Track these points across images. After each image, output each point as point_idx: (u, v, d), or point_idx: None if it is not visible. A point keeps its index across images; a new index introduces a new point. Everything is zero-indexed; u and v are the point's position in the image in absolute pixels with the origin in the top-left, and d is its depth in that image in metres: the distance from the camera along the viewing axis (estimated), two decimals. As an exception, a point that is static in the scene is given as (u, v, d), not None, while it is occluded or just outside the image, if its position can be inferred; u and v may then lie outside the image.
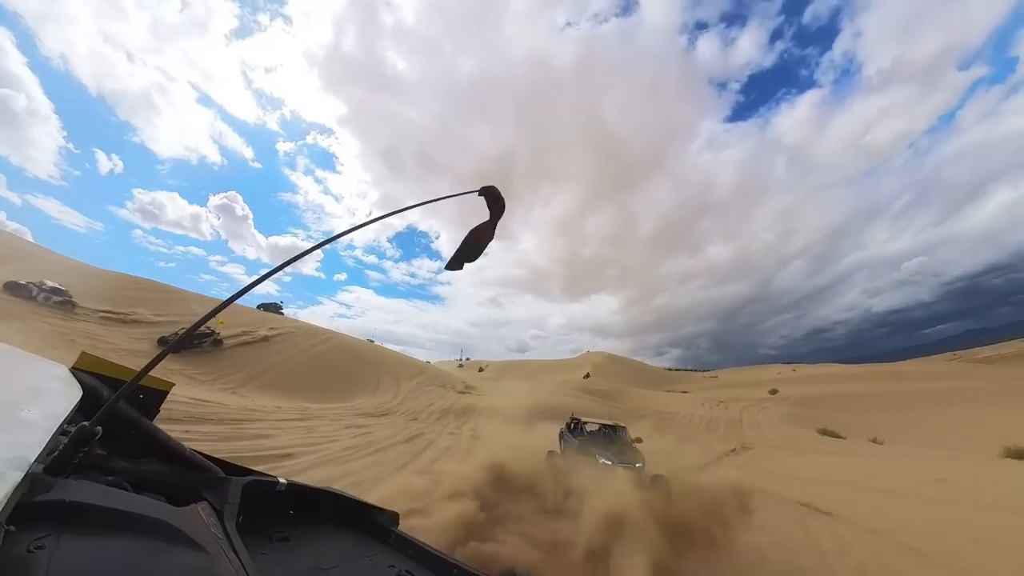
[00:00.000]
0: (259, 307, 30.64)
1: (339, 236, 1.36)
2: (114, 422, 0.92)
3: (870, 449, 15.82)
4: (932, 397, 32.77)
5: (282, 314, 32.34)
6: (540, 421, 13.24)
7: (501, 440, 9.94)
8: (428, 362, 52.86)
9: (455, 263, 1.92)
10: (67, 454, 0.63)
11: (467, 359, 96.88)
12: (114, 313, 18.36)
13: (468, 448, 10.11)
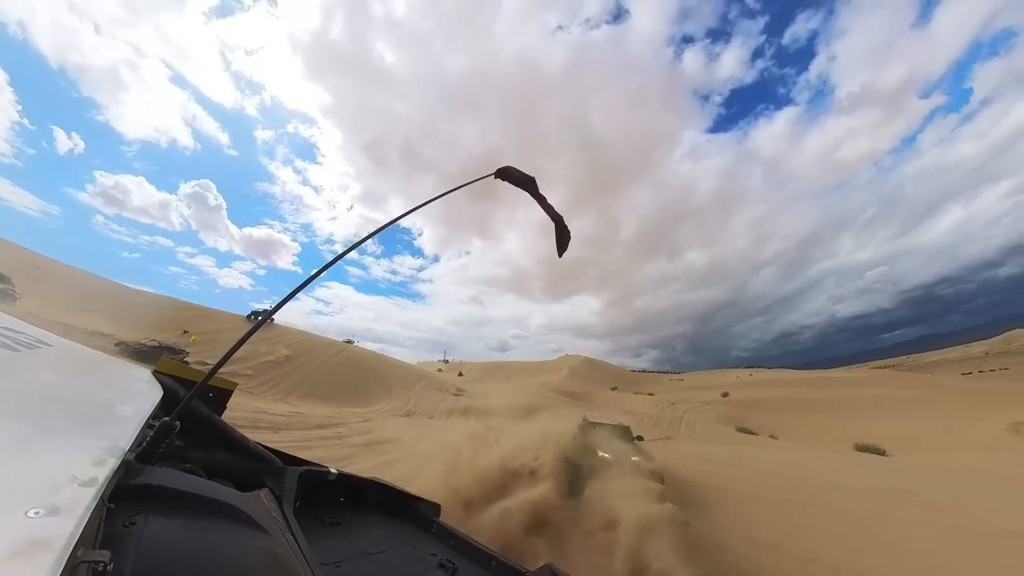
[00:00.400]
0: (250, 316, 28.32)
1: (364, 239, 1.47)
2: (190, 417, 1.09)
3: (761, 442, 21.34)
4: (848, 403, 39.20)
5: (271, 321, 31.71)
6: (526, 419, 18.01)
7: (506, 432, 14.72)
8: (417, 364, 56.69)
9: (561, 248, 2.02)
10: (153, 444, 0.77)
11: (446, 360, 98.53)
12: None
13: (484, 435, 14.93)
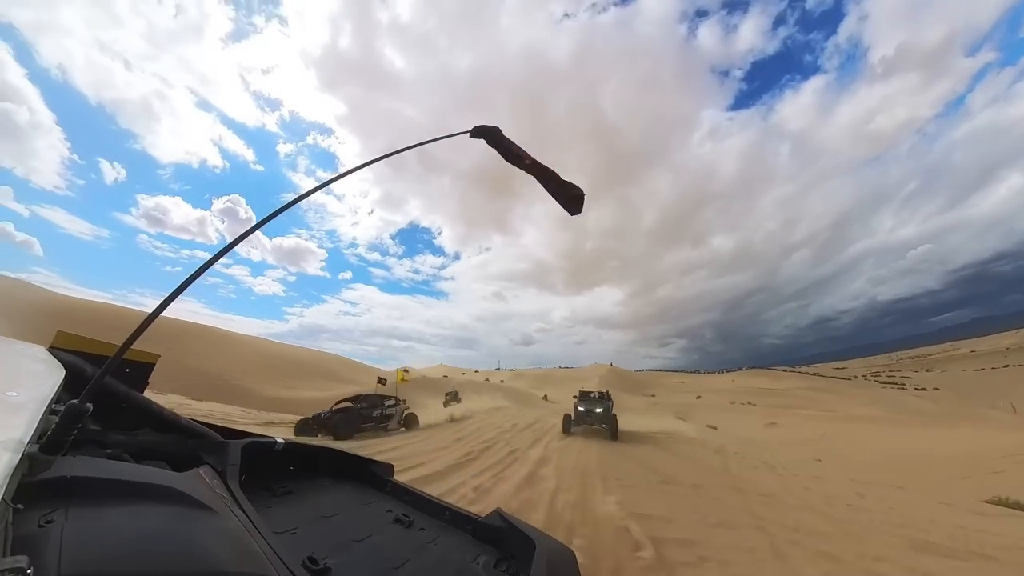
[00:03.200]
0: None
1: (313, 191, 1.27)
2: (104, 397, 0.96)
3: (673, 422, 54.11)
4: (750, 407, 67.32)
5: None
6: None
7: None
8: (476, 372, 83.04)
9: (575, 207, 1.77)
10: (61, 432, 0.64)
11: (499, 368, 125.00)
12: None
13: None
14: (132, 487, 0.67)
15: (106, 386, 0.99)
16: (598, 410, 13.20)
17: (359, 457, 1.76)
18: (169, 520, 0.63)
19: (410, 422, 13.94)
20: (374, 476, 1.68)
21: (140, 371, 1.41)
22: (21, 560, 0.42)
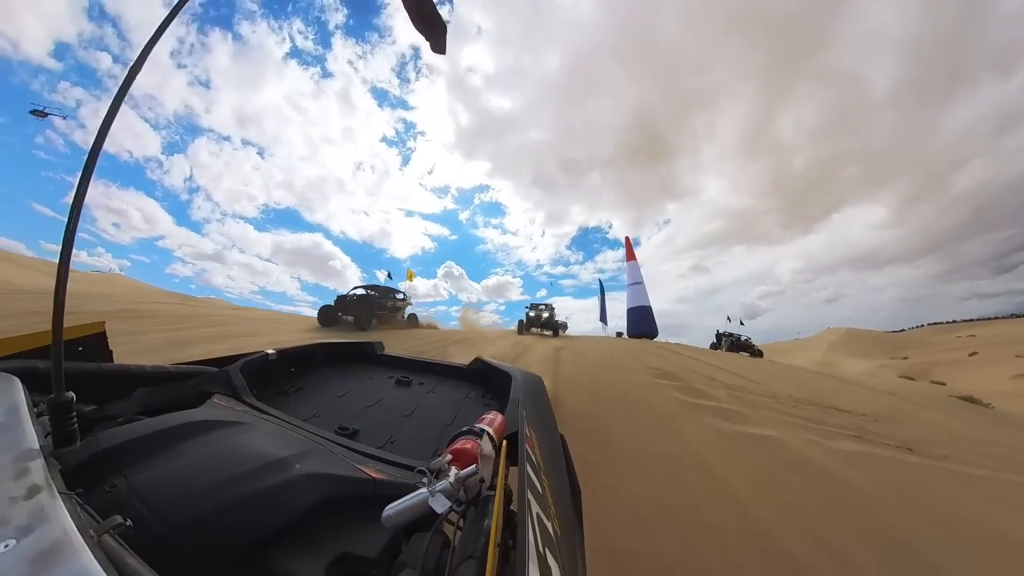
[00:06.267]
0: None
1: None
2: (79, 380, 0.95)
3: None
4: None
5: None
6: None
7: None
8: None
9: (438, 45, 1.62)
10: (59, 427, 0.64)
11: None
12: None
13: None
14: (164, 435, 0.72)
15: (74, 369, 1.02)
16: (545, 316, 16.17)
17: (349, 343, 2.05)
18: (212, 443, 0.72)
19: (413, 321, 15.33)
20: (368, 355, 2.03)
21: (94, 343, 1.37)
22: (115, 519, 0.45)
